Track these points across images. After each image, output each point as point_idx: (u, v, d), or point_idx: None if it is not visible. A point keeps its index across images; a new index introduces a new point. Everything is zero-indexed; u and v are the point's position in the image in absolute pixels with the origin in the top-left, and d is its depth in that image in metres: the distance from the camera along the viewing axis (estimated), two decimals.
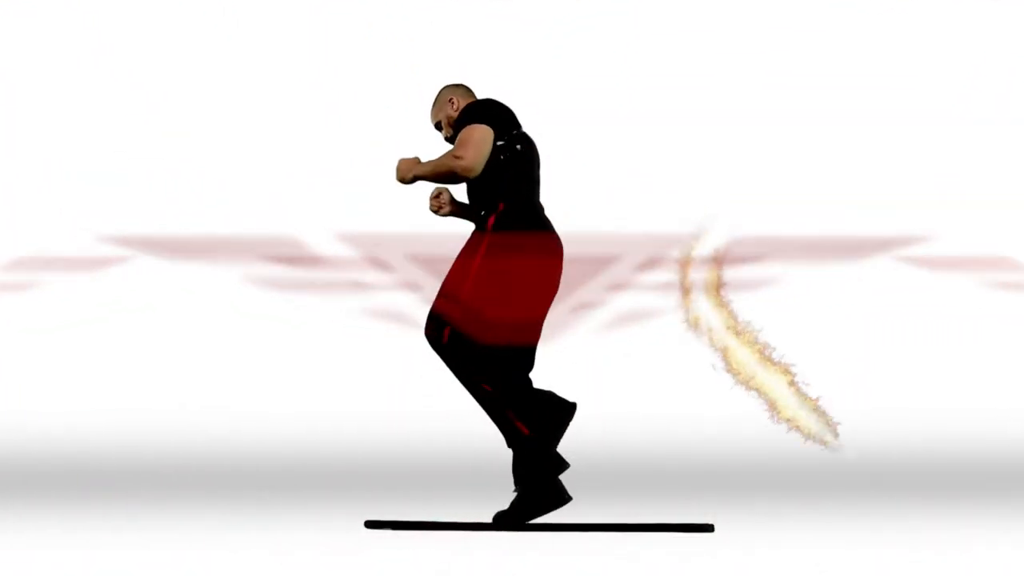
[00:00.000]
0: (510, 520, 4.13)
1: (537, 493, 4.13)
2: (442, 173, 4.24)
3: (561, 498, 4.15)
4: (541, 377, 4.40)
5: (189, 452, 6.09)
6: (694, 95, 6.79)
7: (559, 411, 4.17)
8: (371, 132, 6.63)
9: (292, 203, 6.76)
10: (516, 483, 4.18)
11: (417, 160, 4.32)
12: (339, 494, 5.13)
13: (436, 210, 4.48)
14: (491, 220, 4.22)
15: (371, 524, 4.18)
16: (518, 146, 4.25)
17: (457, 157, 4.18)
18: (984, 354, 6.59)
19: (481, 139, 4.17)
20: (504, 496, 4.35)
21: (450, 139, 4.44)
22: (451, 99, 4.45)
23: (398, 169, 4.36)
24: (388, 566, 3.49)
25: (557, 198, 4.54)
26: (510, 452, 4.26)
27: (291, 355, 6.61)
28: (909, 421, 6.35)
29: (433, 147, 4.75)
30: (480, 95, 4.49)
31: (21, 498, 5.02)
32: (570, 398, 4.24)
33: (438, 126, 4.50)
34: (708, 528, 4.07)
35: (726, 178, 6.79)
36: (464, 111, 4.30)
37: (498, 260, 4.18)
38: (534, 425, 4.15)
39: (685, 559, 3.58)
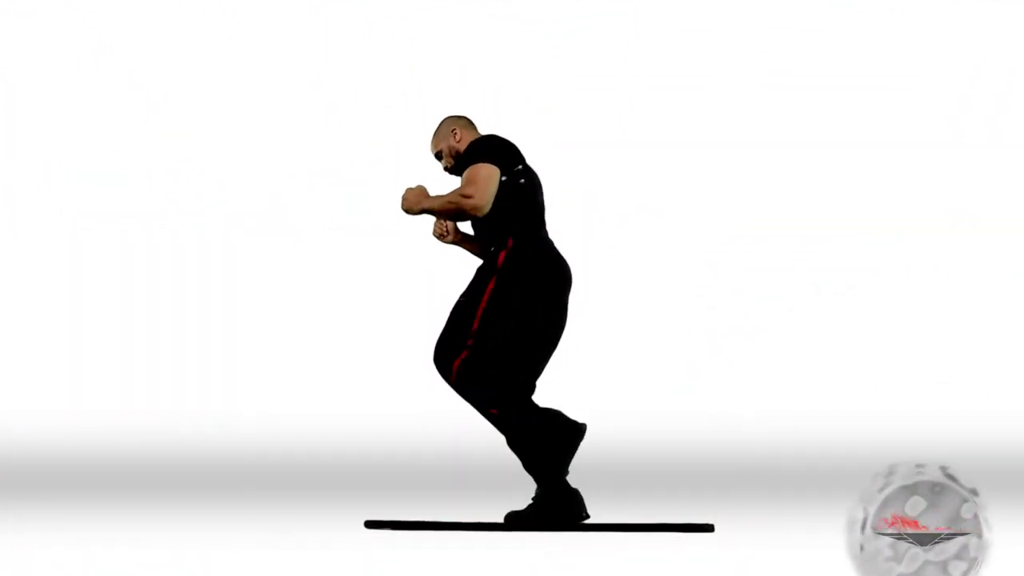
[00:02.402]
0: (522, 522, 4.13)
1: (555, 504, 4.13)
2: (450, 210, 4.26)
3: (578, 515, 4.15)
4: (546, 375, 4.40)
5: (189, 452, 6.09)
6: (694, 96, 6.79)
7: (569, 432, 4.18)
8: (371, 132, 6.63)
9: (292, 203, 6.76)
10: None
11: (424, 192, 4.31)
12: (339, 494, 5.13)
13: (440, 236, 4.56)
14: (501, 257, 4.27)
15: (371, 524, 4.18)
16: (522, 180, 4.29)
17: (466, 196, 4.20)
18: (986, 357, 6.60)
19: (488, 177, 4.21)
20: (504, 496, 4.35)
21: (449, 170, 4.49)
22: (453, 130, 4.48)
23: (405, 199, 4.34)
24: (388, 566, 3.49)
25: (559, 197, 4.54)
26: (511, 451, 4.25)
27: (291, 355, 6.61)
28: (909, 423, 6.35)
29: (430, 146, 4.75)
30: (479, 94, 4.49)
31: (21, 498, 5.01)
32: (579, 418, 4.25)
33: (438, 156, 4.53)
34: (708, 528, 4.06)
35: (726, 178, 6.79)
36: (469, 149, 4.33)
37: (505, 299, 4.21)
38: (548, 440, 4.16)
39: (685, 559, 3.58)
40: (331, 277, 6.61)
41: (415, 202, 4.30)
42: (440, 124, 4.55)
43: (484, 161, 4.24)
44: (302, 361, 6.57)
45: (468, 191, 4.21)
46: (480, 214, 4.23)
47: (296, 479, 5.59)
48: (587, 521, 4.16)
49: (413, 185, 4.34)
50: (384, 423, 6.30)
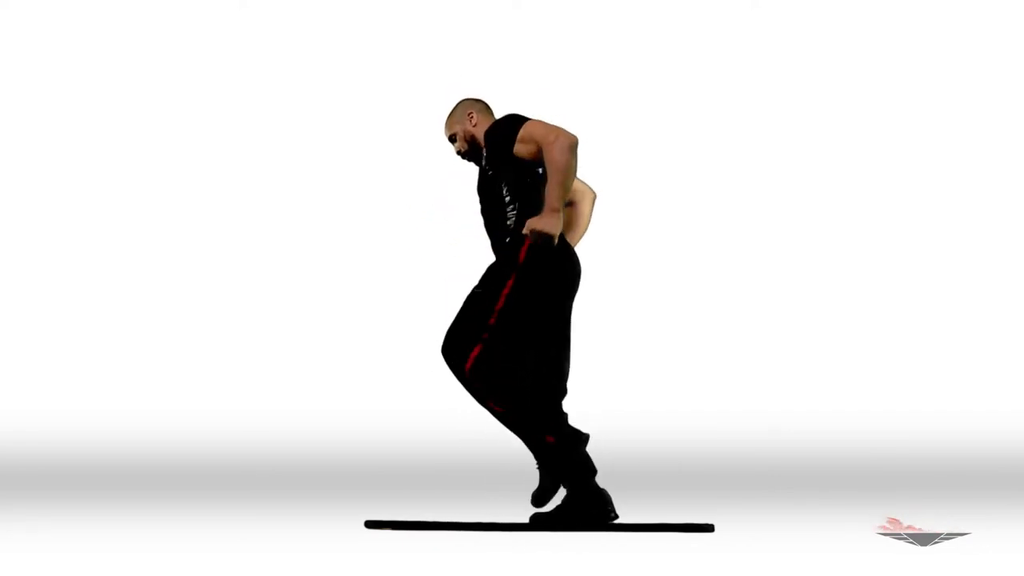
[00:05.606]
0: (549, 524, 4.08)
1: (582, 504, 4.08)
2: (565, 177, 4.02)
3: (607, 515, 4.09)
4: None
5: (189, 452, 6.10)
6: (698, 97, 6.79)
7: (573, 440, 4.12)
8: (372, 132, 6.63)
9: (293, 203, 6.76)
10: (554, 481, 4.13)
11: (543, 213, 4.04)
12: (339, 494, 5.13)
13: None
14: (522, 254, 4.10)
15: (371, 524, 4.18)
16: (540, 170, 4.14)
17: (551, 144, 3.99)
18: (975, 357, 6.62)
19: (541, 121, 4.06)
20: (506, 496, 4.35)
21: (462, 154, 4.35)
22: (470, 113, 4.32)
23: (543, 234, 4.03)
24: (388, 566, 3.49)
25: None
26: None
27: (291, 355, 6.61)
28: (909, 422, 6.36)
29: (431, 149, 4.74)
30: (480, 95, 4.45)
31: (21, 498, 5.02)
32: (584, 428, 4.19)
33: (452, 139, 4.37)
34: (708, 528, 4.06)
35: (728, 178, 6.79)
36: (502, 125, 4.16)
37: (525, 297, 4.09)
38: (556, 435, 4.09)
39: (685, 559, 3.58)
40: (331, 277, 6.62)
41: (549, 219, 4.02)
42: (456, 106, 4.38)
43: (519, 122, 4.09)
44: (302, 361, 6.58)
45: (546, 140, 4.01)
46: (576, 141, 4.00)
47: (296, 479, 5.60)
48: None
49: (534, 222, 4.05)
50: (384, 422, 6.30)
